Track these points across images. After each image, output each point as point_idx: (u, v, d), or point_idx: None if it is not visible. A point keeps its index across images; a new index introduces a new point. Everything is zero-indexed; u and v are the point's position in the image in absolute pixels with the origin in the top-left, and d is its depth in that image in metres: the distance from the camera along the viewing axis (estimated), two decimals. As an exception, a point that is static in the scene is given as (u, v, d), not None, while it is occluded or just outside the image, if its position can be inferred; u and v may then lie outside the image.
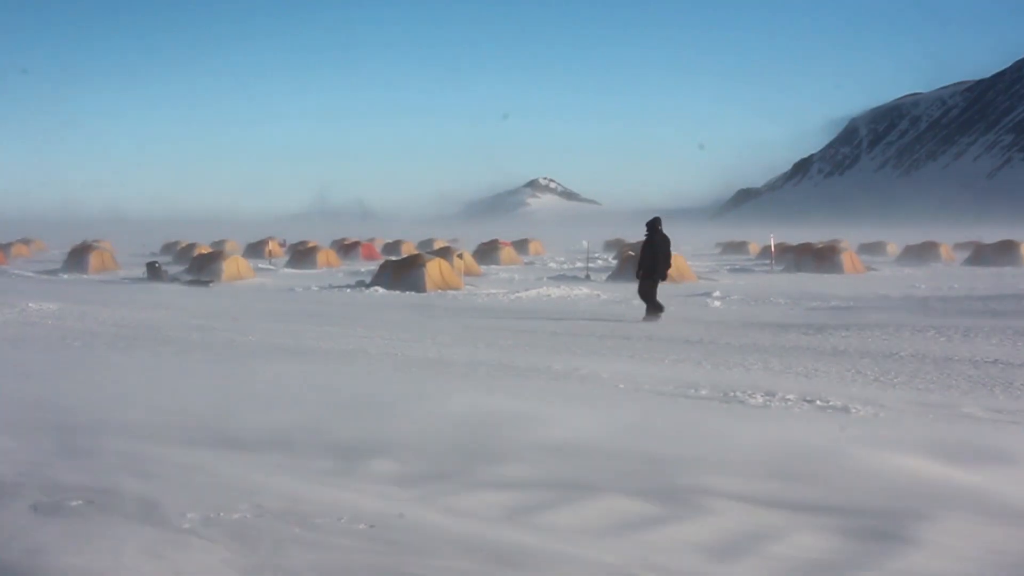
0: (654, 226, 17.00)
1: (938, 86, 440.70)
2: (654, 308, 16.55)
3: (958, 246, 49.86)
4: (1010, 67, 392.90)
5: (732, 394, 8.91)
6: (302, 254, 40.77)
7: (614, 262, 37.74)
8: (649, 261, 16.75)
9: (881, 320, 16.43)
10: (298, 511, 4.51)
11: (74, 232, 77.38)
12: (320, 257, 39.75)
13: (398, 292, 24.07)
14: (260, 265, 37.71)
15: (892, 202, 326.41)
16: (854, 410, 8.12)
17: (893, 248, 51.12)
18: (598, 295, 23.39)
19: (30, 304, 18.47)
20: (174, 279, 30.00)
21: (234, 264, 30.66)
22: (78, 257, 36.07)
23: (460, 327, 15.31)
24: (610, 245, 57.32)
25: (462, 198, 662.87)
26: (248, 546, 4.04)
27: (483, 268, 36.00)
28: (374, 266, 32.29)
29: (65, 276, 33.24)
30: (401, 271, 25.61)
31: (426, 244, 51.52)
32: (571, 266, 39.72)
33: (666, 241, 16.93)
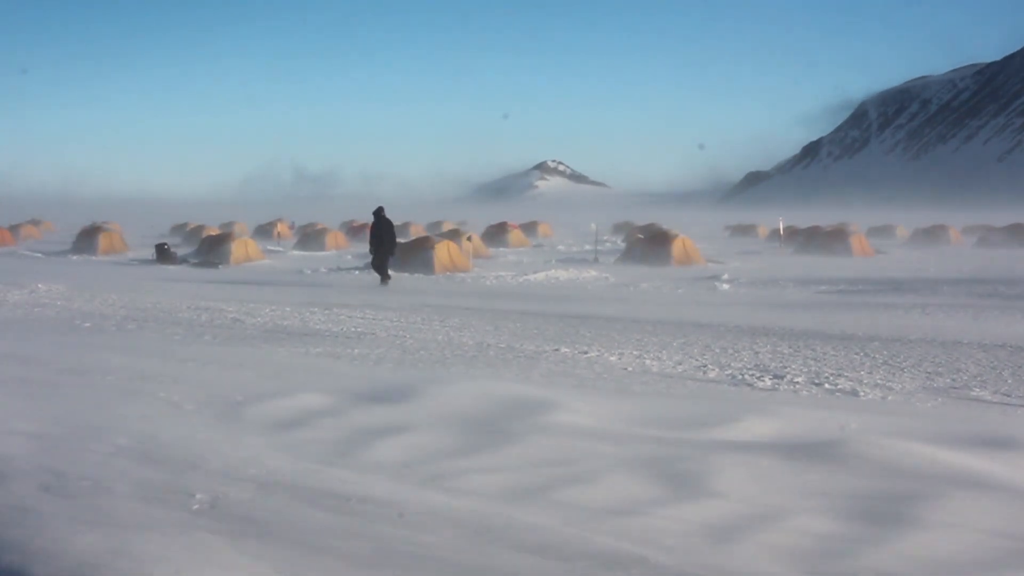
0: (379, 214, 21.65)
1: (948, 69, 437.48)
2: (385, 277, 21.16)
3: (968, 229, 49.62)
4: (1021, 49, 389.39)
5: (740, 377, 8.92)
6: (311, 236, 40.80)
7: (623, 245, 37.71)
8: (376, 240, 21.38)
9: (890, 303, 16.42)
10: (307, 493, 4.53)
11: (83, 214, 77.48)
12: (329, 239, 39.79)
13: (407, 274, 24.09)
14: (269, 247, 37.77)
15: (902, 185, 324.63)
16: (862, 393, 8.12)
17: (902, 231, 50.95)
18: (607, 278, 23.39)
19: (39, 285, 18.53)
20: (183, 261, 30.07)
21: (243, 246, 30.72)
22: (87, 238, 36.14)
23: (468, 310, 15.31)
24: (619, 228, 57.17)
25: (471, 180, 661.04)
26: (257, 528, 4.06)
27: (492, 250, 35.98)
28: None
29: (74, 257, 33.36)
30: (410, 253, 25.62)
31: (435, 226, 51.48)
32: (579, 249, 39.67)
33: (389, 224, 21.58)
